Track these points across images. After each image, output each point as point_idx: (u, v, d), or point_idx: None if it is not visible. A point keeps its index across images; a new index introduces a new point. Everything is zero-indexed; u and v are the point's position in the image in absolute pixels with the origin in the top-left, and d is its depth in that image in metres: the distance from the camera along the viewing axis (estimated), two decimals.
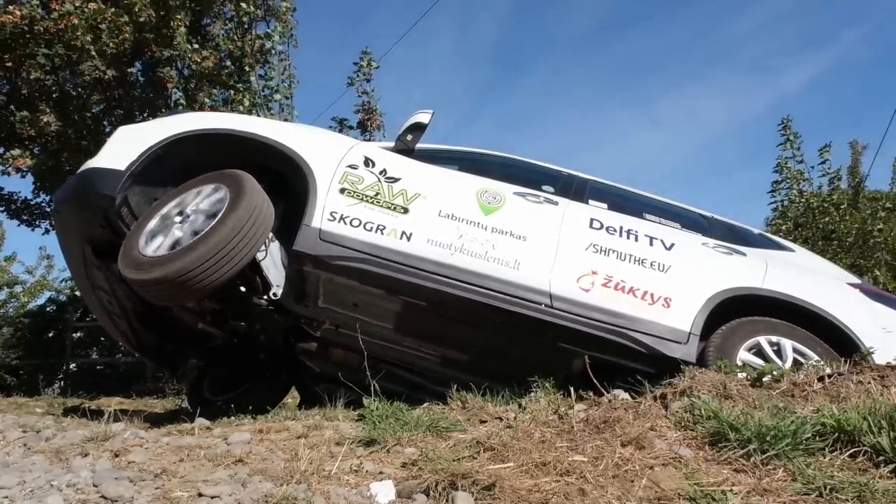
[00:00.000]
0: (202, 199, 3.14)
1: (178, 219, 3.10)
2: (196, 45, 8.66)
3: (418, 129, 3.72)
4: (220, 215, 2.92)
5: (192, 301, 3.38)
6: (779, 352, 3.32)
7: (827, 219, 8.96)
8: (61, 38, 7.69)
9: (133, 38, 8.14)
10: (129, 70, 8.98)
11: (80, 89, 8.55)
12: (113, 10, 7.95)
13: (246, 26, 9.35)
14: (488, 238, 3.37)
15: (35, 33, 7.76)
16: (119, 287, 3.62)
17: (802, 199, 9.31)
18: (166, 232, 3.07)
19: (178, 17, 8.40)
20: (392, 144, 3.76)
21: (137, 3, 7.95)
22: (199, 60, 8.57)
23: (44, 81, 8.15)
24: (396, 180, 3.46)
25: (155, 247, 3.00)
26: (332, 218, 3.27)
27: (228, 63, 9.31)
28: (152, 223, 3.12)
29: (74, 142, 8.88)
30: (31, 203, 10.54)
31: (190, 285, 2.82)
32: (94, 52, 7.74)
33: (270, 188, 3.25)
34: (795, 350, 3.32)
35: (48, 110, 8.18)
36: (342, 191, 3.35)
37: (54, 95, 8.57)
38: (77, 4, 7.78)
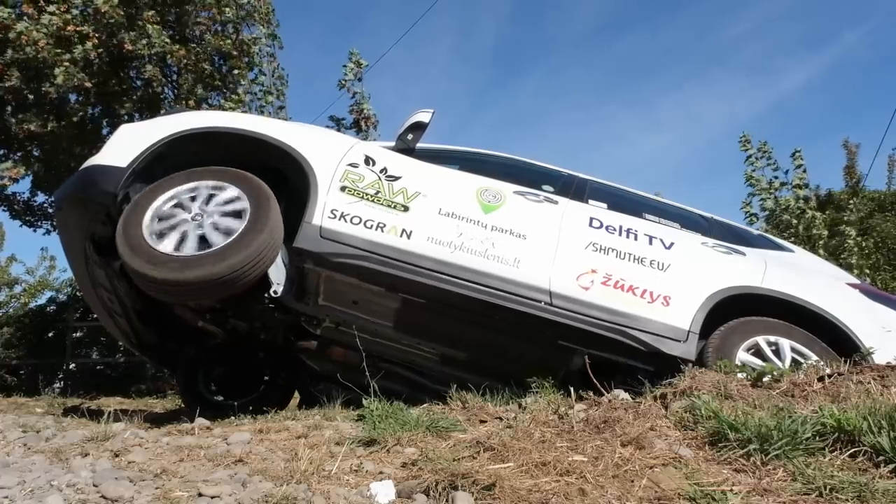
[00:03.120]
0: (217, 200, 3.18)
1: (189, 214, 3.12)
2: (176, 46, 8.59)
3: (419, 128, 3.72)
4: (240, 232, 3.02)
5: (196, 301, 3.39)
6: (777, 352, 3.32)
7: (797, 222, 8.95)
8: (23, 49, 7.65)
9: (105, 43, 8.09)
10: (121, 74, 8.93)
11: (61, 96, 8.47)
12: (73, 17, 7.89)
13: (231, 30, 9.30)
14: (488, 236, 3.37)
15: (9, 41, 7.73)
16: (120, 284, 3.61)
17: (779, 205, 9.24)
18: (179, 227, 3.08)
19: (148, 14, 8.34)
20: (392, 143, 3.77)
21: (106, 8, 7.89)
22: (180, 56, 8.51)
23: (23, 89, 8.10)
24: (397, 179, 3.46)
25: (169, 243, 3.01)
26: (332, 215, 3.27)
27: (209, 66, 9.25)
28: (158, 208, 3.14)
29: (68, 148, 8.83)
30: (33, 204, 10.53)
31: (210, 293, 3.04)
32: (65, 62, 7.71)
33: (271, 186, 3.26)
34: (794, 350, 3.32)
35: (32, 117, 8.15)
36: (343, 189, 3.35)
37: (41, 102, 8.51)
38: (35, 20, 7.75)
